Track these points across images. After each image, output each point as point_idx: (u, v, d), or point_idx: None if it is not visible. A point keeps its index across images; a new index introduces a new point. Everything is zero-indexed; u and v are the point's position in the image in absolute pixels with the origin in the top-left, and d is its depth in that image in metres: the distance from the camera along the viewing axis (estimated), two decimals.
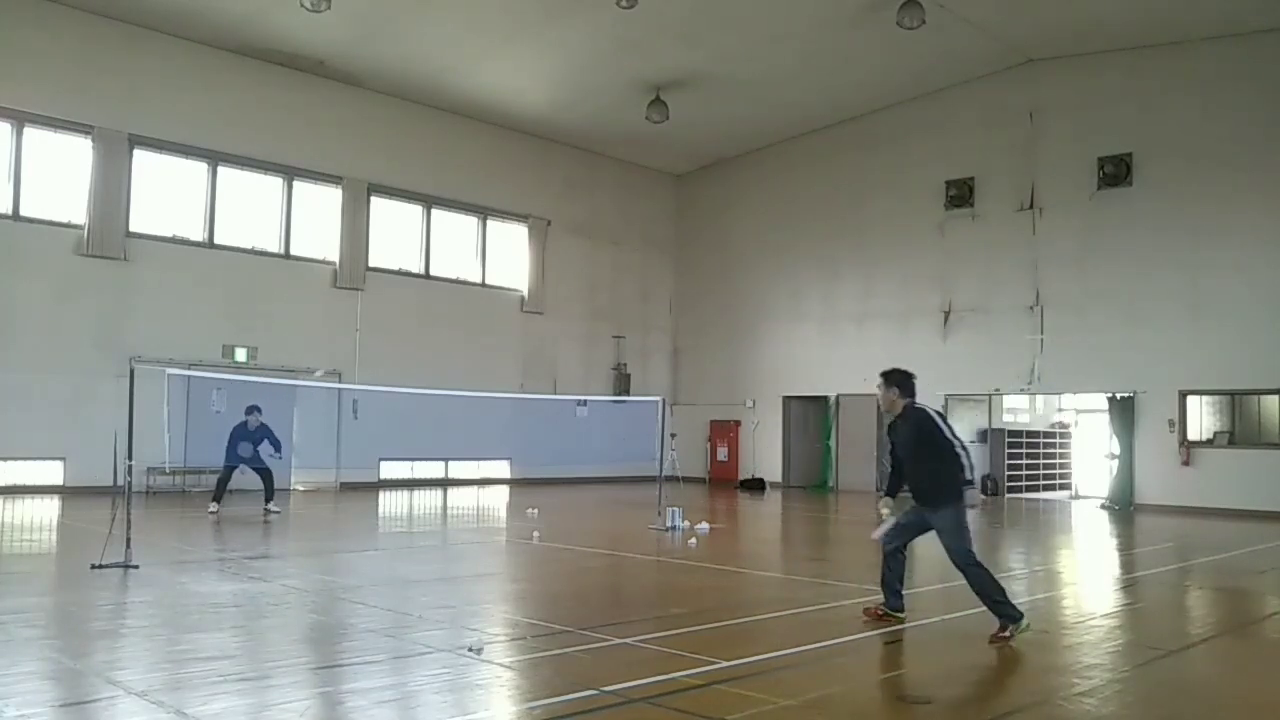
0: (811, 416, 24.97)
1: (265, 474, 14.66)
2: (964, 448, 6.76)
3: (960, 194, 21.91)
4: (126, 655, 5.95)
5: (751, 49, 19.96)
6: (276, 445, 14.57)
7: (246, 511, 14.29)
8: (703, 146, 25.74)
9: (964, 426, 22.40)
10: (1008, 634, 6.41)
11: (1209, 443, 18.88)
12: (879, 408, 25.74)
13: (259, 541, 11.91)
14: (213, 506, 14.20)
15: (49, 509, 15.20)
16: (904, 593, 7.09)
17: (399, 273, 22.33)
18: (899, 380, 7.20)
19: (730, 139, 25.31)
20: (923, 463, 6.89)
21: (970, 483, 6.74)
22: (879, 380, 7.27)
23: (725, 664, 5.65)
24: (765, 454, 25.16)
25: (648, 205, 27.24)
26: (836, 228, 24.11)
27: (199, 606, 7.38)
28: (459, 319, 22.80)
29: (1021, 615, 6.52)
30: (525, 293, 24.27)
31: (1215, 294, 18.62)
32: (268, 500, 14.57)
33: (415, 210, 22.77)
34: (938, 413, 7.06)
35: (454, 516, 16.41)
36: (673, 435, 20.54)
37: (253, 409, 14.56)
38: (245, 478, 14.85)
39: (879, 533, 7.05)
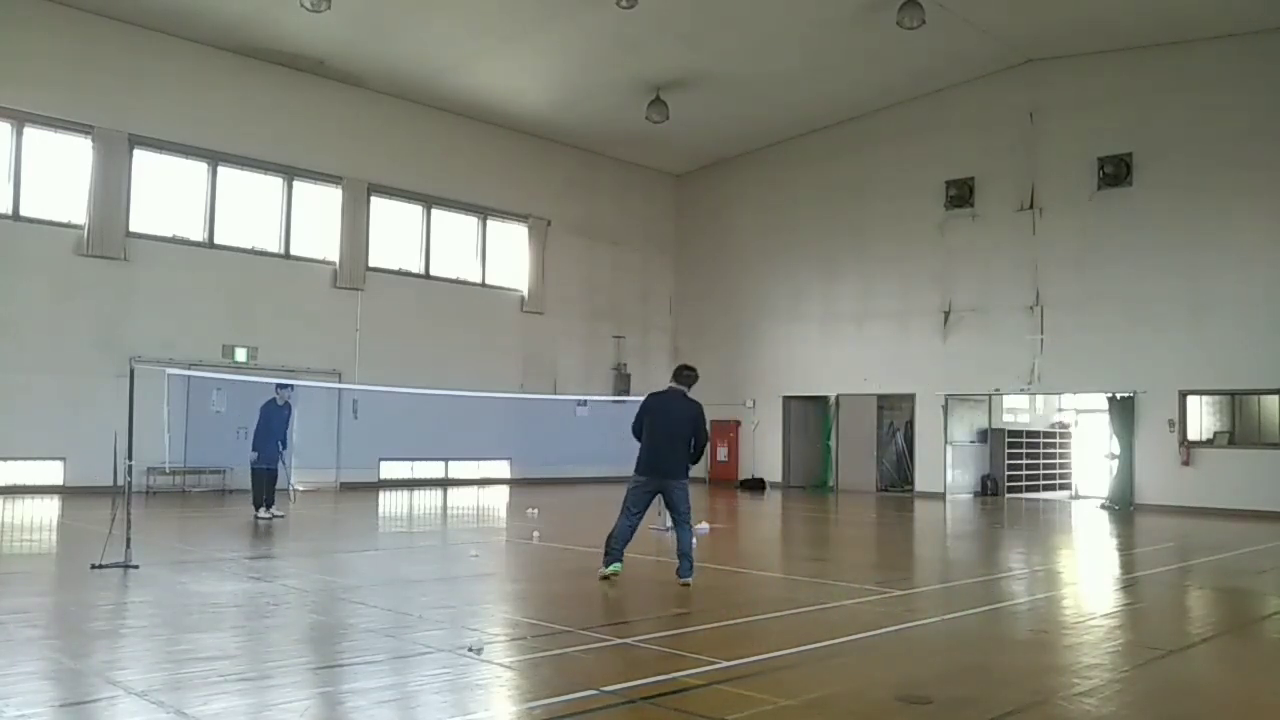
0: (811, 416, 24.97)
1: (270, 477, 14.06)
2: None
3: (960, 194, 21.91)
4: (126, 655, 5.94)
5: (751, 49, 19.96)
6: (284, 440, 14.11)
7: (249, 512, 14.21)
8: (703, 146, 25.74)
9: (964, 426, 22.46)
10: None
11: (1209, 443, 18.88)
12: (879, 407, 25.52)
13: (259, 541, 11.90)
14: (277, 510, 13.82)
15: (49, 509, 15.19)
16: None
17: (399, 273, 22.33)
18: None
19: (730, 139, 25.30)
20: None
21: None
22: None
23: (725, 664, 5.64)
24: (765, 454, 25.16)
25: (647, 205, 27.24)
26: (836, 228, 24.11)
27: (199, 606, 7.38)
28: (459, 319, 22.80)
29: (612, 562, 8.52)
30: (525, 293, 24.27)
31: (1215, 294, 18.62)
32: (261, 504, 13.91)
33: (415, 210, 22.76)
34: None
35: (454, 517, 16.40)
36: None
37: (285, 385, 13.95)
38: (240, 476, 14.38)
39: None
